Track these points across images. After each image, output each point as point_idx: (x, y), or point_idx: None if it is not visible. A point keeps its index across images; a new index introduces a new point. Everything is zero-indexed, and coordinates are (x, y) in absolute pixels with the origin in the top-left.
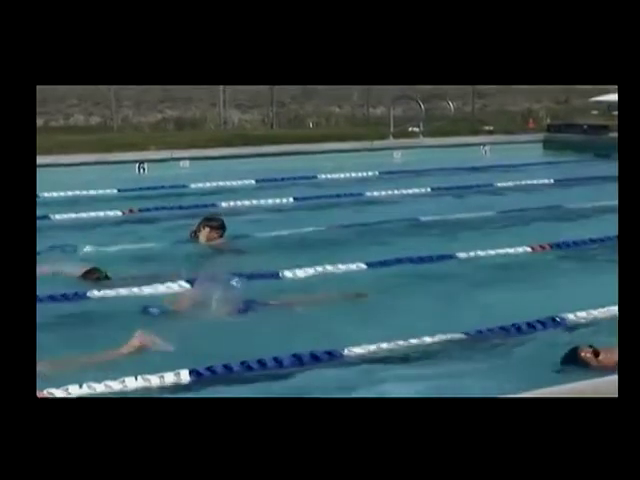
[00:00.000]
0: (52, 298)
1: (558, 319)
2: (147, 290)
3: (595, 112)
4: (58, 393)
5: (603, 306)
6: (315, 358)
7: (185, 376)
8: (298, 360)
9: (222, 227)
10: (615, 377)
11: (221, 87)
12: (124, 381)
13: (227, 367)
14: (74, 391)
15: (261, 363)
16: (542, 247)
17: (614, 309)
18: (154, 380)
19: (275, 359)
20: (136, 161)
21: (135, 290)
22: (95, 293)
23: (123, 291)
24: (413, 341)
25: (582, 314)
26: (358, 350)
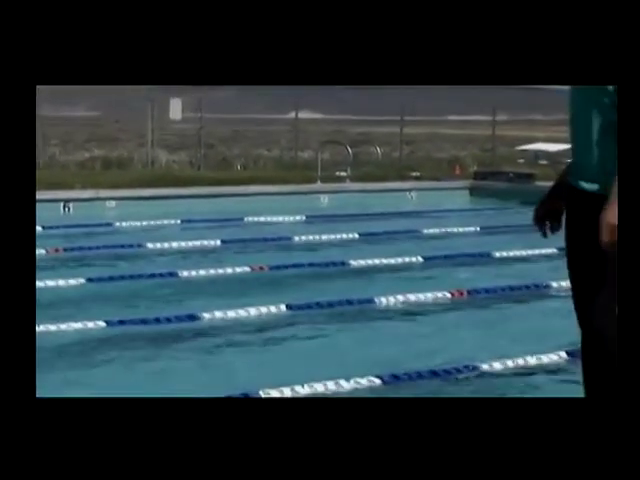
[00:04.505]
0: None
1: (471, 366)
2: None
3: (521, 160)
4: None
5: (516, 356)
6: None
7: None
8: None
9: None
10: None
11: (149, 127)
12: None
13: None
14: None
15: None
16: (460, 293)
17: (529, 359)
18: None
19: None
20: (61, 200)
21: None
22: None
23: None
24: (329, 385)
25: (495, 364)
26: (274, 393)
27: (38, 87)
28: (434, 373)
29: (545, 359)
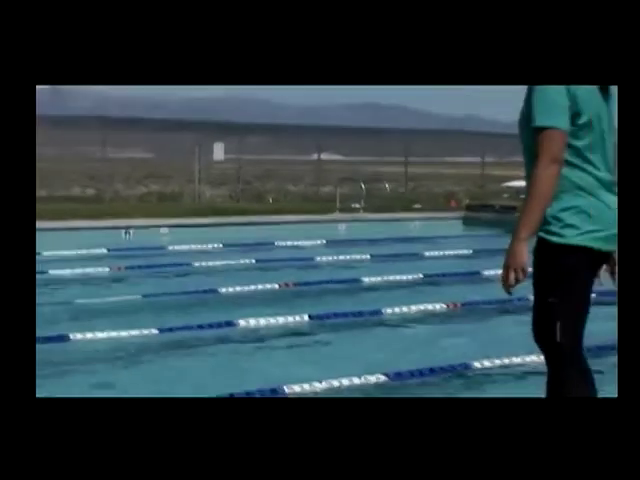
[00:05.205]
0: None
1: (464, 365)
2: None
3: (506, 195)
4: None
5: (503, 357)
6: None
7: None
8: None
9: None
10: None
11: (197, 167)
12: None
13: None
14: None
15: None
16: (455, 305)
17: (514, 359)
18: None
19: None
20: (123, 227)
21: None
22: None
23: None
24: (344, 382)
25: (485, 362)
26: (297, 388)
27: (104, 136)
28: (432, 370)
29: (528, 359)
